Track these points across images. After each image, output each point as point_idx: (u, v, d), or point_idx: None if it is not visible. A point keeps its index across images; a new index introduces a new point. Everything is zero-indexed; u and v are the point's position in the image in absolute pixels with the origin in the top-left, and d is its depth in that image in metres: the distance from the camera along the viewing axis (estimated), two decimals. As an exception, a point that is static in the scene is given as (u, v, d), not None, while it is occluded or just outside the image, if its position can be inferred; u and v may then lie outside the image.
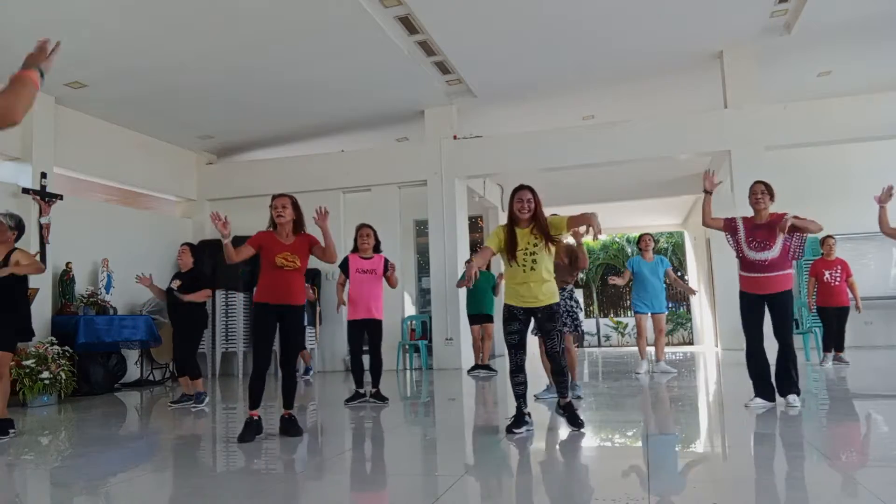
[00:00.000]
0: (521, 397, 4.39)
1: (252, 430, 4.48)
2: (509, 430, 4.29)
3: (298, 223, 4.78)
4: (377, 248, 6.38)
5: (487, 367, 8.94)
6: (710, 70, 9.21)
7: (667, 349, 14.04)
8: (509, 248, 4.32)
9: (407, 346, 10.34)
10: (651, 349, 8.44)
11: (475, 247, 12.37)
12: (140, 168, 10.30)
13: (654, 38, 8.32)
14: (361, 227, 6.39)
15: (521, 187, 4.43)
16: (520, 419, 4.33)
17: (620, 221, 17.32)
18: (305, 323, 10.08)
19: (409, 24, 7.66)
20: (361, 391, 6.25)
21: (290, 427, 4.63)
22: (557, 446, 4.04)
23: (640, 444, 4.12)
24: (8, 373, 5.20)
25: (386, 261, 6.34)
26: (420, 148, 10.52)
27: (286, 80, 8.79)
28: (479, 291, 9.08)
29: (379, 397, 6.24)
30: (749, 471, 3.41)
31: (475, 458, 3.93)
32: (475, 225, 13.26)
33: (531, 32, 7.95)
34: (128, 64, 7.89)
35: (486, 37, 8.05)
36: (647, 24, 7.88)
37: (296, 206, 4.79)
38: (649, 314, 8.10)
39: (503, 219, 14.94)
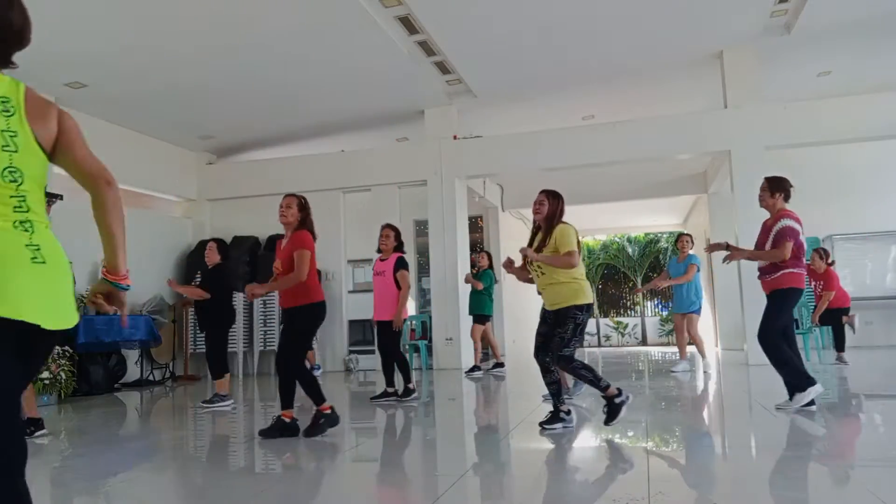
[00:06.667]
0: (554, 396, 4.43)
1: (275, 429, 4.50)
2: (541, 425, 4.33)
3: (304, 224, 4.56)
4: (399, 248, 6.30)
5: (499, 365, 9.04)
6: (710, 70, 9.20)
7: (666, 349, 14.07)
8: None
9: (407, 346, 10.34)
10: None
11: (475, 247, 12.37)
12: (140, 168, 10.29)
13: (654, 38, 8.32)
14: (382, 228, 6.35)
15: (541, 191, 4.53)
16: (554, 416, 4.37)
17: (620, 221, 17.33)
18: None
19: (409, 24, 7.66)
20: (390, 390, 6.27)
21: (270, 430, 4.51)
22: (558, 446, 4.04)
23: (640, 444, 4.12)
24: None
25: (397, 260, 6.23)
26: (420, 148, 10.52)
27: (286, 80, 8.79)
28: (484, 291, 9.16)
29: (401, 394, 6.28)
30: (749, 471, 3.41)
31: (475, 458, 3.93)
32: (475, 225, 13.25)
33: (531, 32, 7.94)
34: (128, 64, 7.88)
35: (486, 37, 8.04)
36: (647, 24, 7.88)
37: (302, 207, 4.56)
38: (683, 314, 8.26)
39: (503, 219, 14.94)
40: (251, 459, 4.08)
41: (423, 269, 11.86)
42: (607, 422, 4.22)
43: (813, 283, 8.68)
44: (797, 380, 4.77)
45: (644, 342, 18.71)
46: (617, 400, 4.21)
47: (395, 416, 5.67)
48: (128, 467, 4.02)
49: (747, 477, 3.26)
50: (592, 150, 9.74)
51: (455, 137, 10.22)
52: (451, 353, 9.84)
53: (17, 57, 1.64)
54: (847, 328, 8.59)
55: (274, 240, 10.93)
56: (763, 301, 4.94)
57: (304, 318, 4.54)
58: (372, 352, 10.14)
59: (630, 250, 19.58)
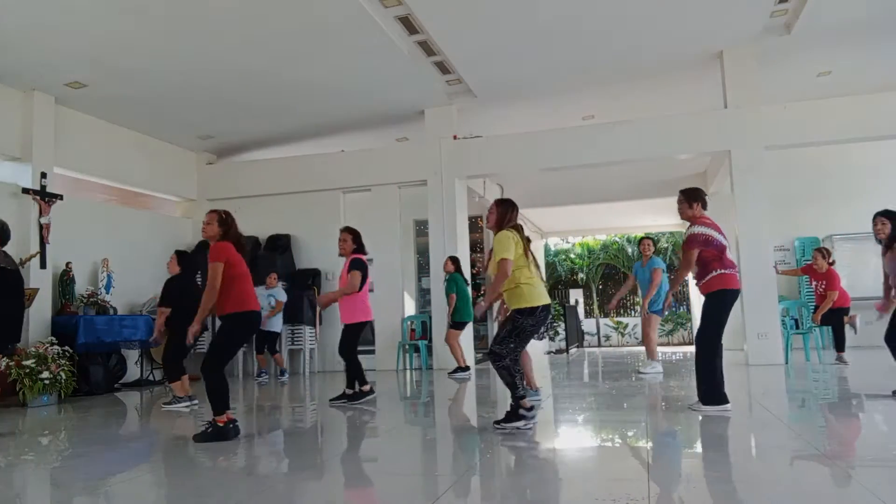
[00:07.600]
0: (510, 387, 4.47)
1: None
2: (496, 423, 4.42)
3: (225, 237, 4.64)
4: (359, 250, 6.32)
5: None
6: (710, 70, 9.20)
7: (665, 349, 14.06)
8: None
9: (407, 346, 10.34)
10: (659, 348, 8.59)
11: (475, 247, 12.38)
12: (140, 168, 10.29)
13: (654, 38, 8.32)
14: (340, 232, 6.43)
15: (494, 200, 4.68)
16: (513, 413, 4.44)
17: (620, 221, 17.32)
18: (303, 323, 10.12)
19: (409, 24, 7.66)
20: (368, 389, 6.34)
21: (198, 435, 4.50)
22: (557, 446, 4.04)
23: (640, 444, 4.12)
24: None
25: (351, 261, 6.24)
26: (420, 148, 10.52)
27: (286, 80, 8.78)
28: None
29: (333, 397, 6.42)
30: (749, 471, 3.41)
31: (475, 458, 3.93)
32: (475, 225, 13.23)
33: (531, 32, 7.94)
34: (128, 64, 7.88)
35: (486, 37, 8.04)
36: (647, 24, 7.87)
37: (223, 222, 4.65)
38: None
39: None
40: (251, 460, 4.08)
41: (423, 269, 11.86)
42: (498, 421, 4.29)
43: (814, 283, 8.67)
44: (709, 392, 4.86)
45: (644, 342, 18.69)
46: (521, 412, 4.26)
47: (394, 416, 5.67)
48: (128, 467, 4.02)
49: (747, 477, 3.26)
50: (592, 150, 9.74)
51: (455, 137, 10.22)
52: (451, 354, 9.83)
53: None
54: (848, 328, 8.59)
55: (274, 240, 10.95)
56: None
57: (231, 326, 4.55)
58: (372, 352, 10.15)
59: (630, 250, 19.57)
